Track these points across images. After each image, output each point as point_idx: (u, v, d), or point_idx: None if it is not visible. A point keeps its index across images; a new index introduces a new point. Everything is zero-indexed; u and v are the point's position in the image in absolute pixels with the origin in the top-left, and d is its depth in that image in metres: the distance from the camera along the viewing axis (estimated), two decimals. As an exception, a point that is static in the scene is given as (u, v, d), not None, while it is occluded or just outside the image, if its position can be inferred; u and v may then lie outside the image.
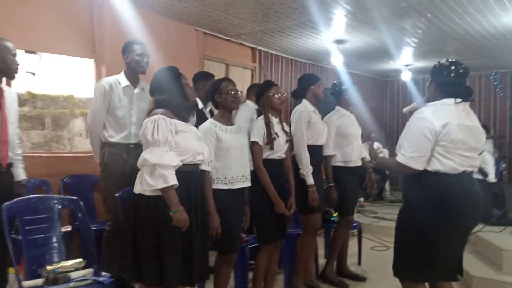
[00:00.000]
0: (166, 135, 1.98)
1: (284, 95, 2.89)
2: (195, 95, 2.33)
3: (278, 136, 2.74)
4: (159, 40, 4.63)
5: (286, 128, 2.93)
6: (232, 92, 2.55)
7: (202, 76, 3.80)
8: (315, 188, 2.96)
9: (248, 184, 2.58)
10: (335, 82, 3.55)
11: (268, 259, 2.83)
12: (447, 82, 2.13)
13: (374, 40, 5.80)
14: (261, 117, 2.77)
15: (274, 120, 2.81)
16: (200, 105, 3.40)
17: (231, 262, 2.57)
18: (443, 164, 2.04)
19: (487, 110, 8.78)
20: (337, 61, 5.94)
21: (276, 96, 2.80)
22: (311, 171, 2.97)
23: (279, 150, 2.78)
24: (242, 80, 5.91)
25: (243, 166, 2.56)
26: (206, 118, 2.87)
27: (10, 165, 2.44)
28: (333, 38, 5.65)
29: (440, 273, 2.14)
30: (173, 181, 1.94)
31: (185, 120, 2.17)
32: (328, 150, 3.29)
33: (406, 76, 7.84)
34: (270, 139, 2.69)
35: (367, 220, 5.23)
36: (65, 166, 3.83)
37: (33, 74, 4.34)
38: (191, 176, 2.12)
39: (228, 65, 5.72)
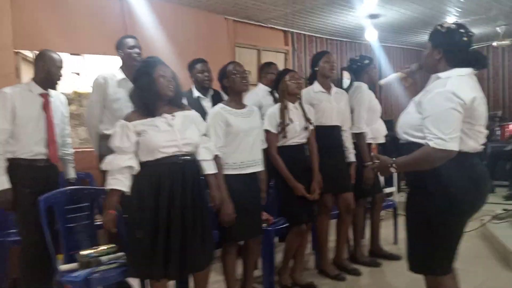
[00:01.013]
0: (118, 142, 2.09)
1: (302, 80, 2.89)
2: (167, 88, 2.17)
3: (292, 122, 2.76)
4: (190, 33, 4.78)
5: (309, 113, 2.92)
6: (239, 74, 2.54)
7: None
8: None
9: (260, 168, 2.60)
10: (354, 57, 3.48)
11: (297, 240, 2.89)
12: (458, 48, 1.87)
13: (411, 12, 5.57)
14: (277, 104, 2.81)
15: (291, 106, 2.83)
16: (196, 94, 3.35)
17: (233, 251, 2.58)
18: (466, 143, 1.81)
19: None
20: (371, 36, 5.78)
21: (293, 81, 2.81)
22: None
23: (296, 136, 2.80)
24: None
25: (254, 150, 2.57)
26: (202, 108, 2.91)
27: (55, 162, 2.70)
28: (366, 13, 5.49)
29: (453, 262, 1.95)
30: (112, 185, 2.07)
31: (153, 113, 2.14)
32: (359, 127, 3.23)
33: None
34: (283, 126, 2.71)
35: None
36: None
37: (78, 74, 4.66)
38: (165, 169, 2.10)
39: (259, 51, 5.76)
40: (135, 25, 4.21)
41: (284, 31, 6.10)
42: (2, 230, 2.94)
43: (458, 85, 1.79)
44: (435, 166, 1.77)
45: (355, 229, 3.49)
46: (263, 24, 5.71)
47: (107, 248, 2.30)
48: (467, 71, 1.87)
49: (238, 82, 2.54)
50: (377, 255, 3.54)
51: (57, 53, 2.74)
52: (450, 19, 6.15)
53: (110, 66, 4.48)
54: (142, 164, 2.14)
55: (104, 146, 2.81)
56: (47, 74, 2.65)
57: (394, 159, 1.91)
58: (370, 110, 3.30)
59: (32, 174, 2.57)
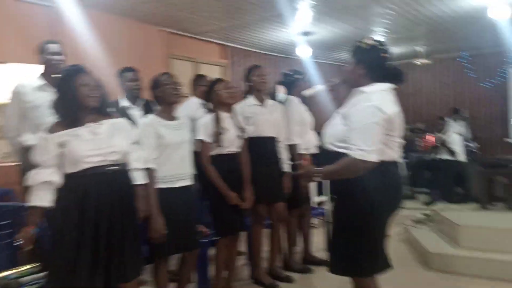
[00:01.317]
0: (38, 157, 2.03)
1: (234, 90, 2.93)
2: (90, 98, 2.07)
3: (227, 130, 2.79)
4: (124, 42, 4.71)
5: (241, 122, 2.97)
6: (170, 85, 2.51)
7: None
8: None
9: (190, 182, 2.56)
10: (286, 71, 3.61)
11: (226, 251, 2.90)
12: (379, 64, 1.99)
13: (341, 30, 5.92)
14: (209, 114, 2.83)
15: (225, 115, 2.86)
16: (124, 103, 3.24)
17: (163, 265, 2.52)
18: (385, 153, 1.93)
19: (458, 92, 8.97)
20: (304, 52, 6.04)
21: (225, 90, 2.85)
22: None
23: (230, 145, 2.84)
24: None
25: (185, 163, 2.53)
26: (129, 117, 2.82)
27: None
28: (299, 31, 5.75)
29: (381, 262, 2.08)
30: (33, 202, 1.99)
31: (76, 123, 2.06)
32: (291, 139, 3.33)
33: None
34: (218, 135, 2.74)
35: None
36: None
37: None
38: (93, 180, 2.02)
39: (196, 63, 5.79)
40: (64, 33, 4.07)
41: (221, 45, 6.20)
42: None
43: (382, 100, 1.92)
44: (357, 175, 1.88)
45: (288, 238, 3.58)
46: (199, 37, 5.76)
47: (30, 268, 2.17)
48: (388, 86, 2.01)
49: (169, 93, 2.51)
50: (310, 262, 3.65)
51: None
52: (377, 38, 6.58)
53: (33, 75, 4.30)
54: (67, 176, 2.05)
55: (27, 158, 2.63)
56: None
57: (319, 168, 2.01)
58: (301, 123, 3.44)
59: None
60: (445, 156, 5.57)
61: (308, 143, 3.48)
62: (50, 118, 2.19)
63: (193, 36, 5.68)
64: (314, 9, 4.90)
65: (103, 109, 2.17)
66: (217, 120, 2.79)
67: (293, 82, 3.49)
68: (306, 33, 5.81)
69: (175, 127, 2.52)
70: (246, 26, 5.42)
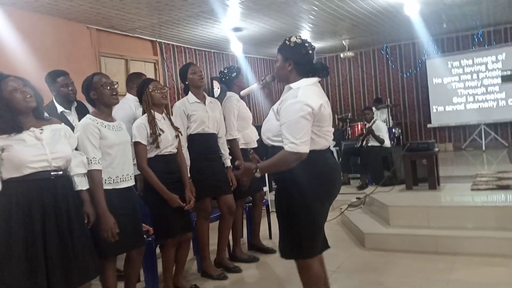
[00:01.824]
0: None
1: (166, 89, 2.93)
2: (25, 101, 2.01)
3: (163, 132, 2.77)
4: (50, 41, 4.49)
5: (176, 122, 2.98)
6: (108, 86, 2.42)
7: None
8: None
9: (132, 183, 2.54)
10: (223, 69, 3.69)
11: (173, 251, 2.90)
12: (306, 60, 2.13)
13: (269, 26, 6.08)
14: (144, 115, 2.79)
15: (159, 116, 2.83)
16: (60, 109, 3.10)
17: (112, 264, 2.50)
18: (317, 143, 2.08)
19: (382, 82, 9.61)
20: (236, 48, 6.13)
21: (157, 91, 2.82)
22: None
23: (168, 146, 2.82)
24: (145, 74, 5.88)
25: (127, 164, 2.49)
26: (68, 122, 2.79)
27: None
28: (230, 27, 5.82)
29: (321, 244, 2.23)
30: None
31: (15, 129, 1.99)
32: (231, 133, 3.42)
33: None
34: (155, 137, 2.71)
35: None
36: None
37: None
38: (38, 185, 1.98)
39: (127, 60, 5.66)
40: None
41: (152, 41, 6.10)
42: None
43: (307, 95, 2.06)
44: (291, 166, 2.03)
45: (234, 229, 3.68)
46: (129, 34, 5.63)
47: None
48: (313, 80, 2.17)
49: (107, 95, 2.42)
50: (256, 249, 3.78)
51: None
52: (304, 33, 6.87)
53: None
54: (7, 181, 1.97)
55: None
56: None
57: (257, 164, 2.14)
58: (240, 118, 3.54)
59: None
60: (372, 143, 5.96)
61: (248, 138, 3.59)
62: None
63: (123, 33, 5.53)
64: (242, 6, 5.00)
65: (40, 113, 2.10)
66: (152, 122, 2.75)
67: (231, 79, 3.58)
68: (236, 29, 5.90)
69: (115, 128, 2.47)
70: (176, 22, 5.39)
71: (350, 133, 7.27)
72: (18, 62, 3.86)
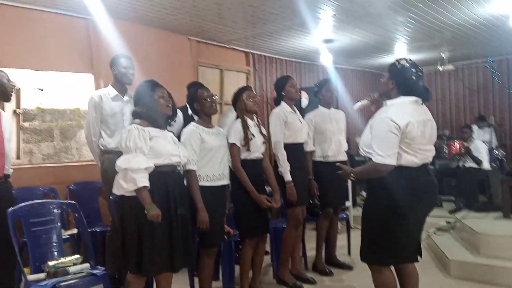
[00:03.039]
0: (137, 142, 2.26)
1: (258, 98, 3.13)
2: (165, 106, 2.48)
3: (254, 136, 2.96)
4: (154, 52, 4.93)
5: (264, 130, 3.15)
6: (208, 99, 2.81)
7: (194, 85, 4.01)
8: (292, 184, 3.18)
9: (227, 182, 2.85)
10: (316, 84, 3.80)
11: (251, 252, 3.05)
12: (408, 83, 2.29)
13: (362, 38, 6.00)
14: (238, 120, 3.01)
15: (251, 122, 3.03)
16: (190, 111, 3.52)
17: (212, 255, 2.82)
18: (405, 159, 2.21)
19: (486, 98, 8.85)
20: (326, 60, 6.15)
21: (250, 99, 3.02)
22: (288, 168, 3.19)
23: (257, 151, 3.00)
24: (237, 84, 6.15)
25: (223, 164, 2.82)
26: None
27: (7, 176, 2.75)
28: (321, 38, 5.86)
29: (402, 255, 2.35)
30: (142, 183, 2.22)
31: (160, 127, 2.43)
32: (308, 147, 3.52)
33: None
34: (247, 140, 2.91)
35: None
36: (72, 174, 4.15)
37: (41, 90, 4.69)
38: (168, 175, 2.40)
39: (222, 70, 5.98)
40: (100, 44, 4.32)
41: (246, 52, 6.37)
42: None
43: (396, 112, 2.23)
44: (379, 176, 2.22)
45: (317, 240, 3.72)
46: (225, 45, 5.95)
47: (73, 259, 2.39)
48: (411, 99, 2.29)
49: (208, 107, 2.82)
50: (333, 264, 3.77)
51: (1, 68, 2.86)
52: (399, 45, 6.65)
53: (73, 82, 4.56)
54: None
55: (107, 159, 3.05)
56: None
57: (353, 168, 2.43)
58: (317, 131, 3.61)
59: None
60: (470, 164, 5.56)
61: (324, 151, 3.61)
62: (125, 123, 2.70)
63: (219, 44, 5.87)
64: (334, 18, 5.02)
65: (171, 119, 2.55)
66: (245, 126, 2.96)
67: (315, 93, 3.67)
68: (327, 41, 5.92)
69: (214, 133, 2.82)
70: (269, 34, 5.57)
71: (446, 151, 6.87)
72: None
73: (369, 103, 2.60)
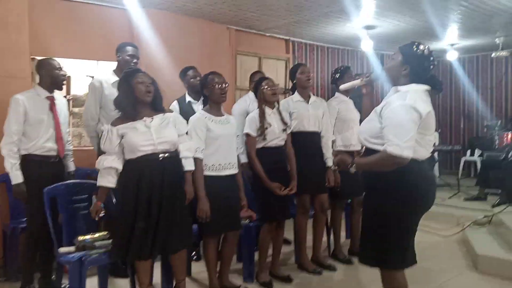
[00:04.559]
0: (107, 144, 2.46)
1: (277, 87, 3.14)
2: (144, 92, 2.47)
3: (270, 125, 3.02)
4: (193, 41, 5.11)
5: (286, 117, 3.19)
6: (218, 86, 2.77)
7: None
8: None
9: (235, 171, 2.87)
10: (337, 70, 3.74)
11: (269, 236, 3.16)
12: (424, 72, 2.11)
13: (405, 24, 5.80)
14: (256, 109, 3.09)
15: (269, 111, 3.09)
16: (188, 99, 3.63)
17: (214, 240, 2.88)
18: (417, 152, 2.01)
19: (547, 87, 8.23)
20: (366, 46, 6.03)
21: (268, 88, 3.07)
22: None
23: (275, 138, 3.07)
24: (276, 71, 6.22)
25: (231, 154, 2.84)
26: (193, 111, 3.16)
27: (62, 157, 3.06)
28: (362, 25, 5.74)
29: (412, 257, 2.19)
30: (99, 182, 2.49)
31: (132, 117, 2.46)
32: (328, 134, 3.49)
33: (452, 56, 7.56)
34: (263, 130, 2.98)
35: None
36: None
37: (92, 77, 5.03)
38: (145, 164, 2.42)
39: (260, 58, 6.06)
40: (140, 34, 4.55)
41: (286, 40, 6.39)
42: (15, 218, 3.31)
43: (416, 99, 2.02)
44: (389, 169, 1.99)
45: (334, 228, 3.76)
46: (264, 33, 6.01)
47: (102, 235, 2.62)
48: (424, 87, 2.11)
49: (216, 94, 2.79)
50: (353, 254, 3.78)
51: (53, 58, 3.06)
52: (450, 30, 6.32)
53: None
54: (127, 162, 2.48)
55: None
56: (51, 79, 2.98)
57: (354, 158, 2.17)
58: (339, 119, 3.57)
59: (42, 169, 2.90)
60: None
61: (346, 140, 3.57)
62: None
63: (258, 32, 5.94)
64: (376, 4, 4.90)
65: (157, 105, 2.55)
66: (262, 116, 3.03)
67: (335, 80, 3.64)
68: (369, 27, 5.78)
69: (222, 122, 2.83)
70: (308, 21, 5.54)
71: (497, 142, 6.53)
72: (165, 60, 4.54)
73: (361, 84, 2.37)
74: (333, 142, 3.53)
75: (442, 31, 6.33)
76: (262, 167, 3.00)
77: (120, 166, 2.47)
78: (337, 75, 3.65)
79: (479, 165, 6.73)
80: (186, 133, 2.69)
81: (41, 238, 2.82)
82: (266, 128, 3.00)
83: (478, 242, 3.79)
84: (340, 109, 3.59)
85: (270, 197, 3.03)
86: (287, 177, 3.14)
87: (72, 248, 2.52)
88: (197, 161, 2.68)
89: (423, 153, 2.08)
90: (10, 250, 3.29)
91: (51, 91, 3.02)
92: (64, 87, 5.24)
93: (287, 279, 3.24)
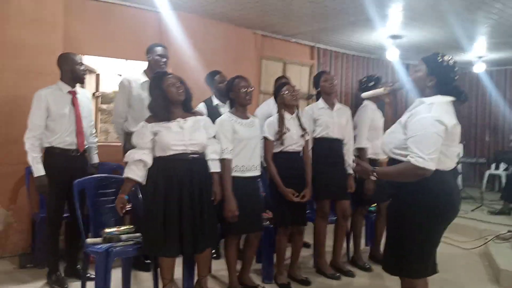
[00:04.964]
0: (138, 139, 2.53)
1: (297, 92, 3.17)
2: (176, 94, 2.56)
3: (289, 130, 3.04)
4: (220, 44, 5.19)
5: (304, 123, 3.20)
6: (244, 89, 2.83)
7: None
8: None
9: (258, 173, 2.91)
10: (362, 78, 3.76)
11: (285, 240, 3.17)
12: (450, 83, 2.12)
13: (432, 35, 5.77)
14: (276, 114, 3.12)
15: (288, 116, 3.11)
16: (215, 102, 3.71)
17: (234, 239, 2.93)
18: (443, 163, 2.04)
19: None
20: (392, 56, 6.01)
21: (289, 93, 3.10)
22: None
23: (293, 143, 3.08)
24: (300, 77, 6.25)
25: (255, 156, 2.87)
26: (219, 114, 3.20)
27: (84, 151, 3.14)
28: (388, 34, 5.74)
29: (431, 267, 2.19)
30: (127, 174, 2.53)
31: (166, 119, 2.55)
32: (360, 142, 3.52)
33: (479, 68, 7.45)
34: (281, 134, 3.00)
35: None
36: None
37: (120, 75, 5.17)
38: (176, 163, 2.50)
39: (285, 63, 6.10)
40: (170, 36, 4.65)
41: (311, 46, 6.42)
42: (44, 207, 3.36)
43: (441, 111, 2.03)
44: (411, 180, 2.01)
45: (354, 235, 3.76)
46: (289, 39, 6.06)
47: (127, 228, 2.70)
48: (448, 98, 2.12)
49: (242, 97, 2.85)
50: (375, 260, 3.77)
51: (74, 53, 3.14)
52: (478, 43, 6.22)
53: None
54: (157, 159, 2.55)
55: (128, 142, 3.21)
56: (72, 73, 3.07)
57: (376, 167, 2.18)
58: (371, 128, 3.57)
59: (64, 162, 3.00)
60: None
61: (377, 148, 3.56)
62: None
63: (284, 38, 5.99)
64: (402, 14, 4.90)
65: (188, 106, 2.62)
66: (281, 120, 3.06)
67: (368, 88, 3.62)
68: (395, 37, 5.77)
69: (247, 124, 2.88)
70: (334, 29, 5.57)
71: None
72: (191, 62, 4.62)
73: (385, 93, 2.37)
74: (361, 149, 3.53)
75: (470, 43, 6.27)
76: (278, 171, 3.02)
77: (149, 160, 2.53)
78: (371, 83, 3.64)
79: (503, 179, 6.62)
80: (214, 136, 2.75)
81: (59, 227, 2.97)
82: (284, 133, 3.03)
83: (501, 256, 3.72)
84: (374, 117, 3.60)
85: (283, 202, 3.03)
86: (303, 183, 3.13)
87: (98, 240, 2.60)
88: (225, 161, 2.73)
89: (448, 164, 2.10)
90: (38, 238, 3.42)
91: (72, 86, 3.10)
92: (93, 84, 5.45)
93: (306, 282, 3.25)
